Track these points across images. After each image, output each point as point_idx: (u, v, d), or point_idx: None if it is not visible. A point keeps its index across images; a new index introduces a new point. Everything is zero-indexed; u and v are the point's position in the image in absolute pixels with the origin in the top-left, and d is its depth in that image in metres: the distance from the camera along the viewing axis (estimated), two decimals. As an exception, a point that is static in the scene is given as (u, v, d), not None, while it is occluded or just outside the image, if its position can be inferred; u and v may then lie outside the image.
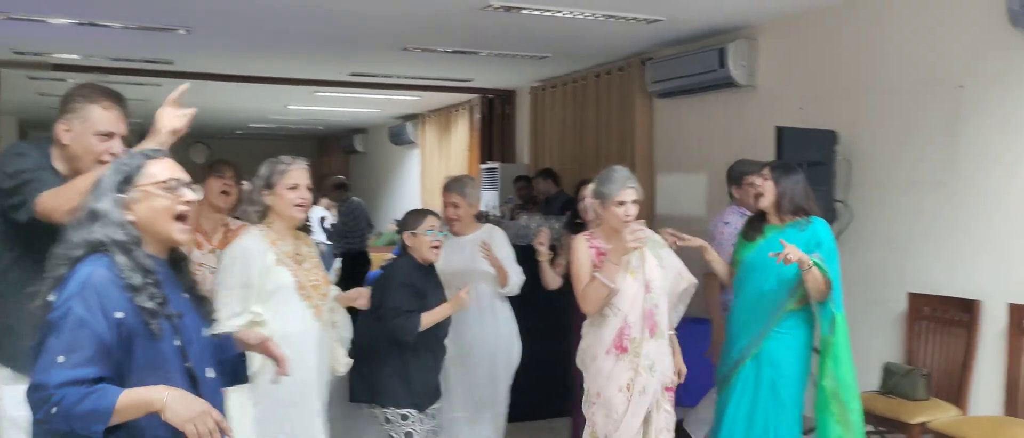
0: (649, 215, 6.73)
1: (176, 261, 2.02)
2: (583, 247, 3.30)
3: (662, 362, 3.24)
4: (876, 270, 4.58)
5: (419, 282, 3.46)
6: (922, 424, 3.90)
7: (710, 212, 5.88)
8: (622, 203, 3.19)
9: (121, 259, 1.84)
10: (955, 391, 4.13)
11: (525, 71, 7.80)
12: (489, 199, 8.68)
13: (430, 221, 3.48)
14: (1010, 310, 3.97)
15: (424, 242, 3.44)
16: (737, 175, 4.38)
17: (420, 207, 3.71)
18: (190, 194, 1.93)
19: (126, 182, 1.90)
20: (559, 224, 5.31)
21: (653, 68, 6.34)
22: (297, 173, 2.96)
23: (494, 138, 9.48)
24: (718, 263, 3.70)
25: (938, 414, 3.94)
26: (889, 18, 4.65)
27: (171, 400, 1.77)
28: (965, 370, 4.12)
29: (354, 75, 8.07)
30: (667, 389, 3.28)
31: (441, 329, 3.55)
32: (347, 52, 6.88)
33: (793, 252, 3.23)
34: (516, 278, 4.03)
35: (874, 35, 4.74)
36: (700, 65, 5.78)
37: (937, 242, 4.37)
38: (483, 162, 9.33)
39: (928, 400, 4.05)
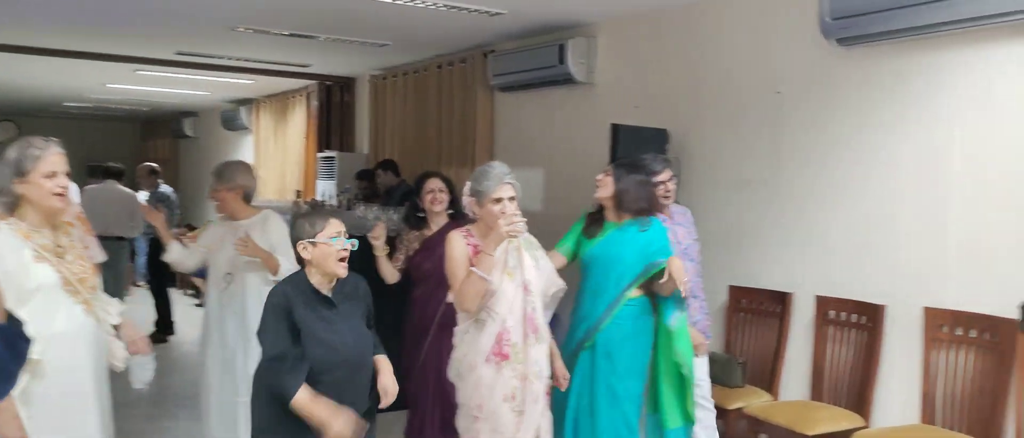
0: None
1: None
2: (460, 243, 3.14)
3: (547, 368, 3.15)
4: (702, 264, 4.80)
5: (305, 313, 2.71)
6: (738, 409, 4.13)
7: (547, 207, 5.98)
8: (499, 200, 3.07)
9: None
10: (768, 378, 4.40)
11: (365, 59, 7.64)
12: (326, 189, 8.47)
13: (334, 226, 2.78)
14: (817, 301, 4.27)
15: (328, 253, 2.73)
16: None
17: (319, 205, 3.03)
18: None
19: None
20: (398, 216, 5.23)
21: (495, 61, 6.37)
22: (54, 159, 2.65)
23: (332, 126, 9.25)
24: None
25: (752, 400, 4.19)
26: (717, 24, 4.88)
27: None
28: (777, 358, 4.40)
29: (180, 54, 7.61)
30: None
31: (354, 381, 2.77)
32: (172, 30, 6.47)
33: (676, 270, 3.37)
34: (286, 264, 3.90)
35: (703, 39, 4.97)
36: (540, 60, 5.86)
37: (756, 238, 4.63)
38: (321, 151, 9.09)
39: (744, 387, 4.30)
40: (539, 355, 3.10)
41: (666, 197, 3.91)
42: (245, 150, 11.80)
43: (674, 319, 3.54)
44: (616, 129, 4.76)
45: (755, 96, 4.64)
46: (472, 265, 3.06)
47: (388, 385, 2.88)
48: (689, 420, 3.62)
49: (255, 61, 7.95)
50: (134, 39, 6.99)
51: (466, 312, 3.11)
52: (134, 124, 16.29)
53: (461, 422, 3.16)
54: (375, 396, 2.88)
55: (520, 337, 3.06)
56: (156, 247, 7.91)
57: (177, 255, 4.12)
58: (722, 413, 4.19)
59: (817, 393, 4.21)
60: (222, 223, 4.17)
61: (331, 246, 2.73)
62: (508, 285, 3.09)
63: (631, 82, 5.48)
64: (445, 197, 4.16)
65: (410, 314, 4.16)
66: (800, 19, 4.33)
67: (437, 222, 4.17)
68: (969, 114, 3.71)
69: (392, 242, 4.24)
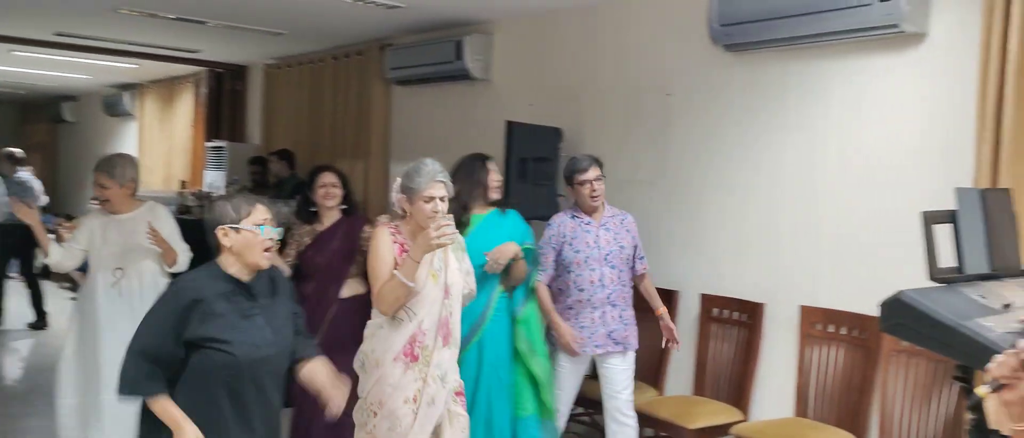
0: (384, 203, 6.71)
1: None
2: (386, 242, 3.00)
3: (453, 371, 3.09)
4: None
5: (222, 307, 2.45)
6: (625, 404, 4.22)
7: (442, 202, 5.97)
8: (430, 199, 2.94)
9: None
10: (654, 373, 4.52)
11: (259, 47, 7.43)
12: (214, 179, 8.21)
13: (261, 212, 2.53)
14: (702, 299, 4.40)
15: (253, 242, 2.49)
16: (569, 174, 3.99)
17: (205, 196, 2.74)
18: None
19: None
20: (288, 209, 5.11)
21: (392, 55, 6.31)
22: None
23: (222, 115, 8.97)
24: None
25: (639, 395, 4.27)
26: (610, 26, 4.97)
27: None
28: (663, 354, 4.51)
29: (59, 35, 7.22)
30: (457, 394, 3.14)
31: (260, 379, 2.50)
32: (51, 9, 6.14)
33: (503, 254, 3.48)
34: (183, 256, 4.01)
35: (597, 41, 5.05)
36: (438, 56, 5.84)
37: (645, 237, 4.70)
38: (209, 140, 8.80)
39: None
40: (443, 359, 3.03)
41: (594, 197, 3.86)
42: (128, 137, 11.32)
43: (521, 308, 3.66)
44: (511, 126, 4.79)
45: (646, 98, 4.75)
46: (396, 267, 2.94)
47: (329, 388, 2.60)
48: (545, 413, 3.70)
49: (140, 45, 7.62)
50: (10, 18, 6.59)
51: (383, 314, 3.01)
52: (12, 107, 15.39)
53: (358, 415, 3.09)
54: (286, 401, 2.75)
55: (432, 340, 2.99)
56: (5, 234, 7.41)
57: (57, 257, 3.95)
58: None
59: (700, 388, 4.34)
60: (101, 216, 4.03)
61: (256, 235, 2.47)
62: (431, 287, 2.98)
63: (527, 80, 5.52)
64: (338, 192, 4.09)
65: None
66: (691, 24, 4.45)
67: (329, 217, 4.10)
68: (842, 121, 3.90)
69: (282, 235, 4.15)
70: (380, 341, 2.99)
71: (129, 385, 2.41)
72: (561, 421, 4.00)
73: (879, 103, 3.77)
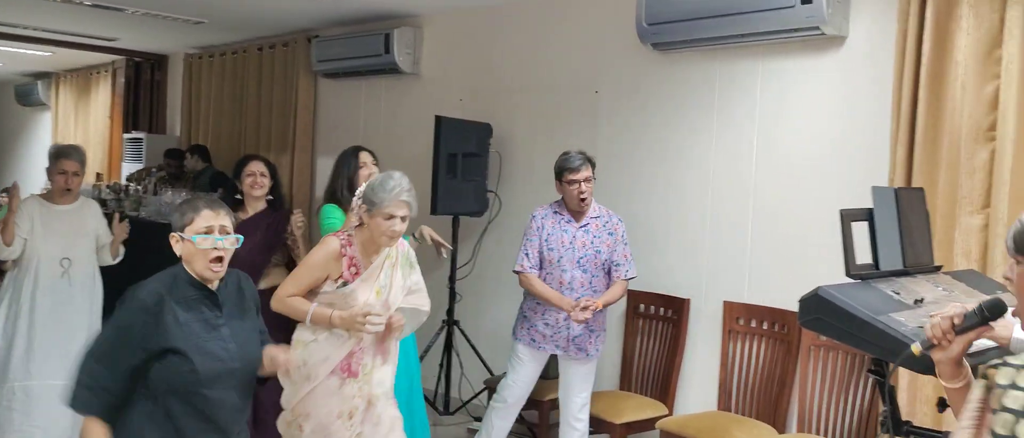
0: (309, 198, 6.58)
1: None
2: (326, 254, 2.90)
3: (392, 386, 3.01)
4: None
5: (185, 316, 2.29)
6: (552, 400, 4.23)
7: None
8: (391, 217, 2.83)
9: None
10: (582, 369, 4.54)
11: (179, 36, 7.21)
12: (132, 172, 7.96)
13: (205, 219, 2.31)
14: (628, 295, 4.43)
15: (194, 252, 2.29)
16: (558, 170, 3.89)
17: (192, 196, 2.46)
18: None
19: None
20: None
21: (319, 47, 6.20)
22: None
23: (140, 106, 8.70)
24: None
25: (566, 391, 4.30)
26: (541, 22, 4.97)
27: None
28: (590, 350, 4.54)
29: (-34, 19, 6.90)
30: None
31: (220, 400, 2.33)
32: (-44, -10, 5.86)
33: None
34: (121, 250, 4.27)
35: (527, 37, 5.05)
36: (366, 48, 5.76)
37: (572, 233, 4.76)
38: (127, 131, 8.52)
39: (558, 378, 4.40)
40: (384, 376, 2.97)
41: (582, 198, 3.76)
42: (42, 128, 10.89)
43: None
44: (440, 121, 4.75)
45: (575, 94, 4.77)
46: (329, 280, 2.85)
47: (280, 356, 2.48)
48: None
49: (54, 32, 7.32)
50: (-93, -2, 6.25)
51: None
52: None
53: (283, 428, 2.96)
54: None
55: (371, 357, 2.92)
56: None
57: (17, 248, 3.94)
58: (538, 405, 4.28)
59: (626, 383, 4.39)
60: (40, 205, 4.02)
61: (201, 244, 2.28)
62: (374, 303, 2.88)
63: (456, 75, 5.49)
64: (266, 181, 3.99)
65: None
66: (620, 22, 4.48)
67: (254, 206, 3.99)
68: (766, 121, 3.98)
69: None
70: (314, 353, 2.86)
71: (82, 395, 2.23)
72: (514, 411, 3.99)
73: (801, 103, 3.86)
